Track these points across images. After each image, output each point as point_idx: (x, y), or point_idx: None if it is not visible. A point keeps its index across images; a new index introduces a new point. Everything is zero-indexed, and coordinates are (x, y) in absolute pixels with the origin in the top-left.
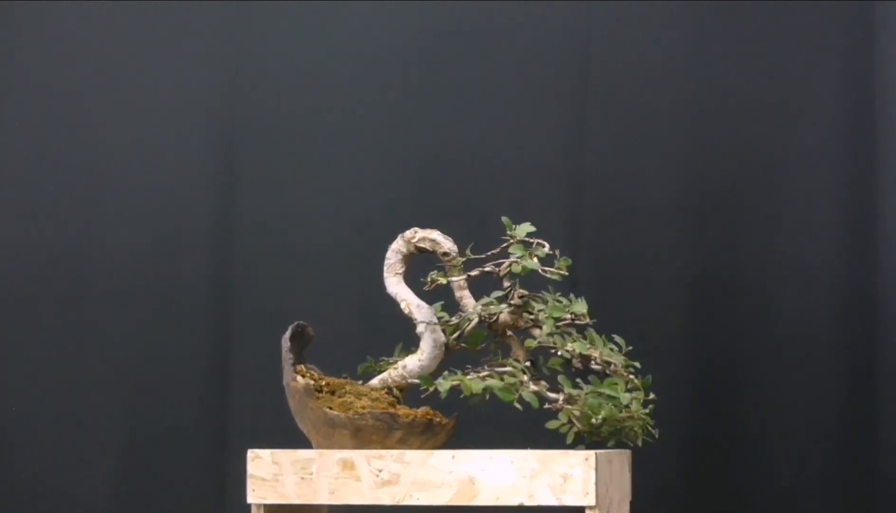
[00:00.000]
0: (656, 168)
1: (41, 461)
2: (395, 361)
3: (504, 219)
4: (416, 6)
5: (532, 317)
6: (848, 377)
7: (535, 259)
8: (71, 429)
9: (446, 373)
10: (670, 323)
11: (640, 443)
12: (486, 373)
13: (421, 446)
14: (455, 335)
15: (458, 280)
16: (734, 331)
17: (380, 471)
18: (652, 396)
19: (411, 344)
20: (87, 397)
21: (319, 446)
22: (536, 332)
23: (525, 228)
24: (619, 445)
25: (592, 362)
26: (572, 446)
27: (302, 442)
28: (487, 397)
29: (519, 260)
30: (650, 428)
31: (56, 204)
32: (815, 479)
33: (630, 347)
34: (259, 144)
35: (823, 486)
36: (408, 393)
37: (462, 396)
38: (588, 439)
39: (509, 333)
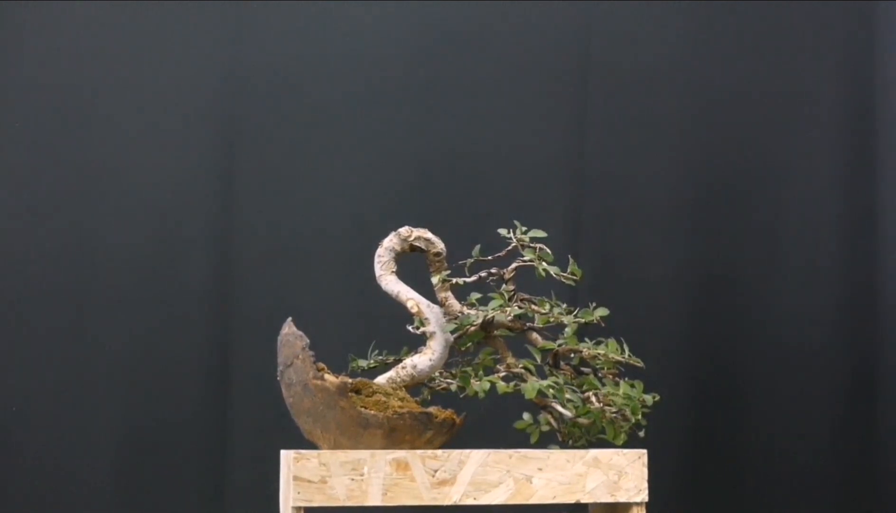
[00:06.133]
0: (656, 168)
1: (41, 461)
2: (395, 360)
3: (515, 222)
4: (416, 6)
5: (548, 319)
6: (848, 377)
7: (544, 263)
8: (70, 429)
9: (480, 374)
10: (670, 323)
11: (619, 443)
12: (503, 373)
13: (441, 446)
14: (456, 335)
15: (472, 280)
16: (734, 330)
17: (436, 471)
18: (656, 396)
19: (405, 343)
20: (86, 396)
21: (339, 447)
22: (534, 335)
23: (536, 233)
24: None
25: (601, 365)
26: (542, 446)
27: (301, 443)
28: (532, 398)
29: (535, 264)
30: (635, 430)
31: (56, 203)
32: (815, 477)
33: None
34: (259, 143)
35: (824, 484)
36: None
37: (464, 395)
38: (565, 438)
39: (496, 333)
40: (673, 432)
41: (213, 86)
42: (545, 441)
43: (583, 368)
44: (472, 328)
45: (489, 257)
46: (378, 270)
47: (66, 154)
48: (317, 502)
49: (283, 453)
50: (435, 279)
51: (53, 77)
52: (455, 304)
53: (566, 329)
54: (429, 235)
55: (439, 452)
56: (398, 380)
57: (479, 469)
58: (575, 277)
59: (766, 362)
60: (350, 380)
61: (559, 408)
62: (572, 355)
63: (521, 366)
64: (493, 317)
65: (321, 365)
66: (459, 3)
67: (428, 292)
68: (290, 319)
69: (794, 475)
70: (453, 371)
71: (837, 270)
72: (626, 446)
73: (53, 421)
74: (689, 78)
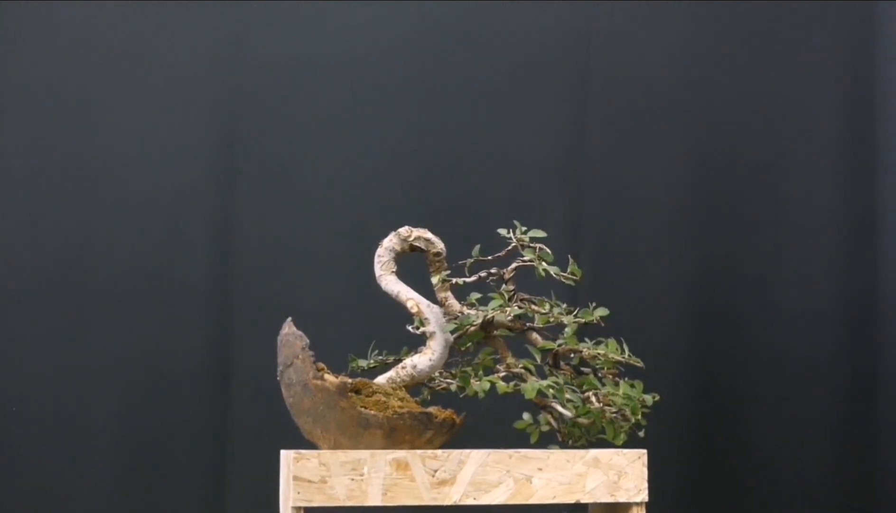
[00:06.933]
0: (656, 168)
1: (40, 462)
2: (395, 360)
3: (515, 222)
4: (416, 6)
5: (549, 319)
6: (848, 377)
7: (544, 263)
8: (70, 429)
9: (480, 374)
10: (670, 323)
11: (619, 443)
12: (503, 373)
13: (441, 446)
14: (456, 335)
15: (472, 280)
16: (734, 330)
17: (436, 471)
18: (656, 396)
19: (405, 343)
20: (86, 396)
21: (339, 447)
22: (534, 335)
23: (536, 233)
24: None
25: (599, 365)
26: (542, 446)
27: (301, 443)
28: (531, 398)
29: (535, 264)
30: (635, 430)
31: (56, 203)
32: (815, 477)
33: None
34: (259, 144)
35: (824, 483)
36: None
37: (464, 395)
38: (565, 438)
39: (496, 333)
40: (673, 432)
41: (214, 86)
42: (545, 441)
43: (583, 368)
44: (472, 328)
45: (489, 257)
46: (378, 270)
47: (66, 154)
48: (317, 502)
49: (283, 453)
50: (435, 279)
51: (53, 77)
52: (455, 304)
53: (566, 329)
54: (429, 235)
55: (439, 452)
56: (398, 380)
57: (479, 469)
58: (575, 277)
59: (766, 362)
60: (350, 380)
61: (559, 408)
62: (572, 355)
63: (521, 366)
64: (493, 317)
65: (321, 365)
66: (459, 3)
67: (428, 292)
68: (290, 319)
69: (794, 475)
70: (453, 371)
71: (837, 270)
72: (626, 446)
73: (53, 421)
74: (690, 79)
